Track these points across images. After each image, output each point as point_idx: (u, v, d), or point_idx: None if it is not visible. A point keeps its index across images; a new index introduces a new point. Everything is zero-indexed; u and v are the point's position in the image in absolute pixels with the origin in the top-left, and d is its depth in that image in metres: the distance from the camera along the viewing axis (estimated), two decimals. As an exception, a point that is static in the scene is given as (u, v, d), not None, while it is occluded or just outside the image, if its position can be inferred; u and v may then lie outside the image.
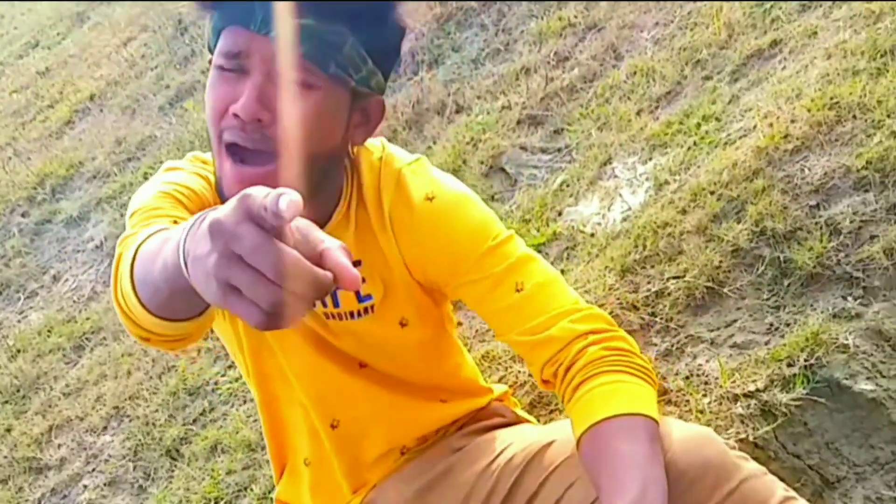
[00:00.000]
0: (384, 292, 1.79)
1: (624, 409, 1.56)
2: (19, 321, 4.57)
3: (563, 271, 3.13)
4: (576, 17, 4.21)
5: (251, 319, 0.93)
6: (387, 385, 1.90)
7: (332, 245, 0.95)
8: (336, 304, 1.79)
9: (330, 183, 1.69)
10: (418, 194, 1.72)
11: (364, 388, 1.88)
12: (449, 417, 2.01)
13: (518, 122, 3.85)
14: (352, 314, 1.80)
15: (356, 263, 1.66)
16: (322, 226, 1.67)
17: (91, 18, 7.56)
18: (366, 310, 1.80)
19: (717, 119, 3.27)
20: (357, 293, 1.78)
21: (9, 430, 3.90)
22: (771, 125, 3.02)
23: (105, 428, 3.70)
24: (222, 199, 1.58)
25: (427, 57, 4.49)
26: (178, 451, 3.34)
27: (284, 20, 1.43)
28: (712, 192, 2.92)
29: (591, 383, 1.61)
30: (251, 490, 3.07)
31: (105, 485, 3.49)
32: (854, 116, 2.88)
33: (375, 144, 1.79)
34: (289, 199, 0.90)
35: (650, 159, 3.31)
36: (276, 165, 1.49)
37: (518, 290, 1.70)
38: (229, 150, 1.51)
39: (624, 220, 3.13)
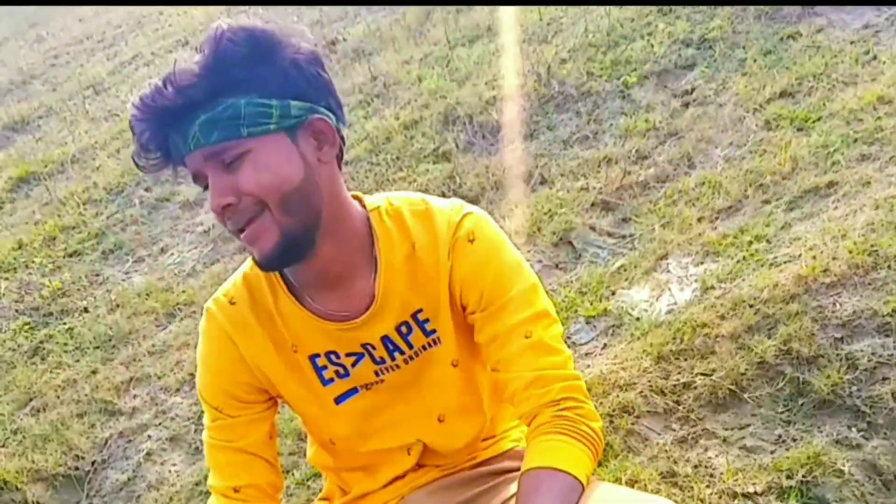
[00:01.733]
0: (442, 325, 1.77)
1: (557, 464, 1.60)
2: (123, 280, 4.63)
3: (605, 346, 3.14)
4: (660, 122, 4.22)
5: None
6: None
7: None
8: (410, 347, 1.77)
9: (342, 216, 1.64)
10: (463, 235, 1.70)
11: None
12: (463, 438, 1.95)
13: (592, 204, 3.86)
14: (424, 347, 1.77)
15: (418, 311, 1.73)
16: (374, 275, 1.70)
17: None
18: (434, 341, 1.77)
19: (768, 241, 3.27)
20: (423, 329, 1.76)
21: (94, 373, 3.96)
22: (814, 257, 3.01)
23: (178, 390, 3.74)
24: (260, 266, 1.62)
25: (525, 130, 4.52)
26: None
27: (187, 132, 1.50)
28: (751, 306, 2.92)
29: (547, 437, 1.65)
30: (292, 475, 3.11)
31: (167, 439, 3.53)
32: (889, 266, 2.87)
33: (416, 198, 1.77)
34: None
35: (702, 263, 3.31)
36: (265, 215, 1.53)
37: (526, 338, 1.69)
38: (240, 234, 1.57)
39: (668, 312, 3.14)
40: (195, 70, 1.46)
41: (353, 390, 1.79)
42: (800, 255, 3.10)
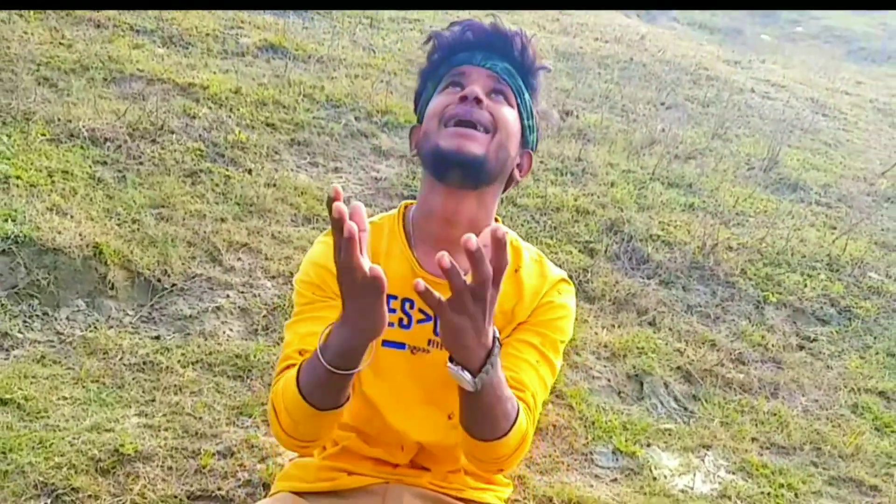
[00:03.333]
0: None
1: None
2: (291, 170, 4.63)
3: (615, 480, 3.04)
4: (772, 346, 4.08)
5: None
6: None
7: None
8: None
9: (494, 197, 1.77)
10: (558, 285, 1.82)
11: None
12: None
13: (678, 368, 3.77)
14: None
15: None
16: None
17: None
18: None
19: (796, 495, 3.13)
20: None
21: (223, 220, 3.98)
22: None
23: (274, 277, 3.75)
24: (436, 157, 1.69)
25: (665, 276, 4.42)
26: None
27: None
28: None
29: None
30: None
31: (239, 308, 3.54)
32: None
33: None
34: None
35: (733, 474, 3.19)
36: (488, 138, 1.67)
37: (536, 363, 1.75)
38: (448, 122, 1.69)
39: (681, 491, 3.02)
40: (526, 41, 1.77)
41: (402, 345, 1.76)
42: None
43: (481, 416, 1.55)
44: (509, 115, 1.72)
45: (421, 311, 1.75)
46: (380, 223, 1.82)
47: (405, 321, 1.76)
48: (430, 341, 1.76)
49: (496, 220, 1.80)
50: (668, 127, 6.51)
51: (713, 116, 7.08)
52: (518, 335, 1.77)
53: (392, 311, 1.74)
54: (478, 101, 1.67)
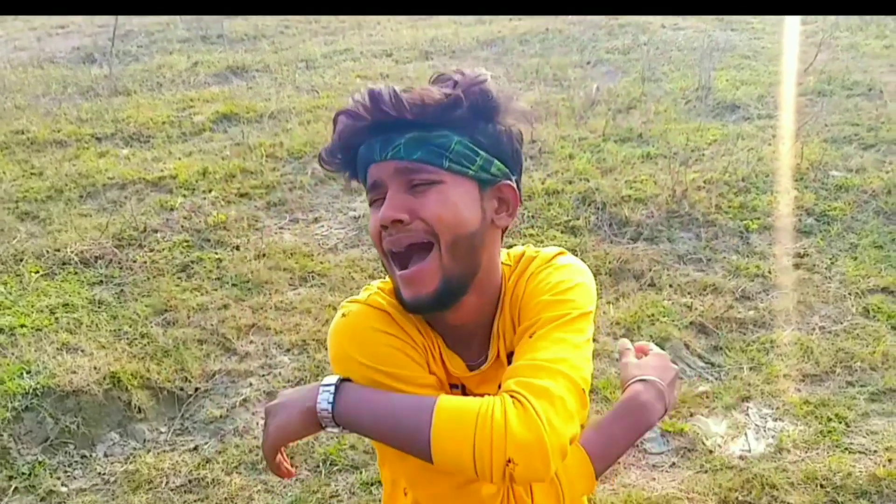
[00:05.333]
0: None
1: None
2: (276, 233, 4.27)
3: (673, 464, 2.68)
4: (769, 273, 3.73)
5: None
6: None
7: None
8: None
9: (492, 276, 1.37)
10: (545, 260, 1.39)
11: None
12: None
13: (691, 324, 3.40)
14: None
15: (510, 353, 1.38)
16: (492, 317, 1.39)
17: (432, 58, 7.29)
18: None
19: (847, 424, 2.80)
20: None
21: (225, 307, 3.62)
22: (889, 460, 2.55)
23: (289, 350, 3.38)
24: (401, 303, 1.33)
25: (648, 234, 4.05)
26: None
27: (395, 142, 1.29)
28: (822, 486, 2.48)
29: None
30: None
31: (265, 392, 3.19)
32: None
33: (550, 252, 1.42)
34: None
35: (781, 420, 2.85)
36: (433, 255, 1.29)
37: (529, 337, 1.30)
38: (393, 260, 1.32)
39: (740, 457, 2.68)
40: (437, 96, 1.26)
41: None
42: (875, 451, 2.62)
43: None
44: (442, 201, 1.30)
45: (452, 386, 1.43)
46: (389, 309, 1.39)
47: None
48: None
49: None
50: (602, 84, 6.12)
51: (637, 61, 6.69)
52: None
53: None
54: (397, 221, 1.28)
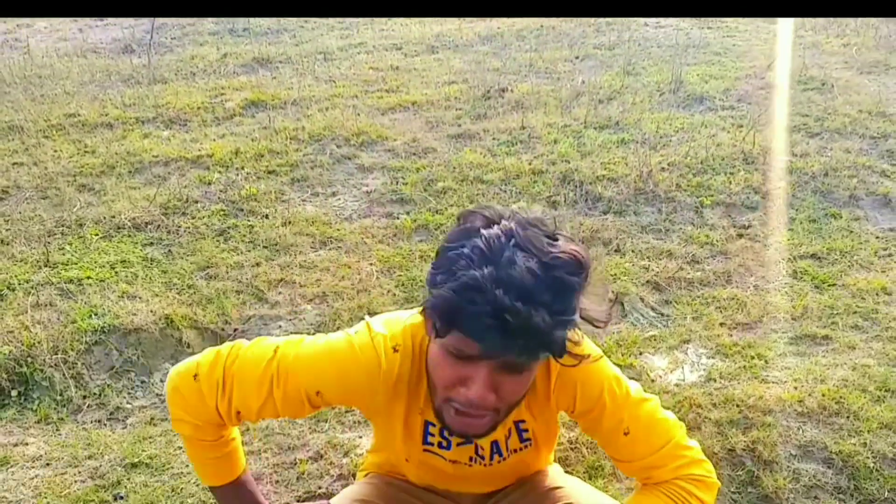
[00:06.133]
0: (538, 433, 1.61)
1: None
2: (299, 205, 4.70)
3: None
4: (716, 241, 4.18)
5: None
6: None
7: None
8: (507, 449, 1.62)
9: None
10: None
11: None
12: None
13: (647, 282, 3.85)
14: (515, 451, 1.62)
15: (521, 421, 1.57)
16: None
17: (438, 51, 7.69)
18: (525, 447, 1.62)
19: (766, 361, 3.25)
20: (520, 436, 1.60)
21: (258, 265, 4.02)
22: (795, 388, 3.00)
23: (311, 300, 3.80)
24: (438, 418, 1.42)
25: (617, 208, 4.51)
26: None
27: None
28: (737, 405, 2.91)
29: (653, 492, 1.52)
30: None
31: (290, 333, 3.56)
32: (848, 417, 2.84)
33: None
34: None
35: (712, 358, 3.30)
36: (493, 414, 1.35)
37: (625, 434, 1.49)
38: (448, 409, 1.37)
39: (676, 384, 3.13)
40: (545, 318, 1.20)
41: (442, 456, 1.61)
42: (786, 382, 3.07)
43: None
44: (524, 383, 1.35)
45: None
46: (417, 340, 1.48)
47: (444, 444, 1.58)
48: (471, 458, 1.61)
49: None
50: (587, 77, 6.55)
51: (620, 57, 7.11)
52: (589, 433, 1.59)
53: (431, 434, 1.57)
54: (485, 406, 1.31)
